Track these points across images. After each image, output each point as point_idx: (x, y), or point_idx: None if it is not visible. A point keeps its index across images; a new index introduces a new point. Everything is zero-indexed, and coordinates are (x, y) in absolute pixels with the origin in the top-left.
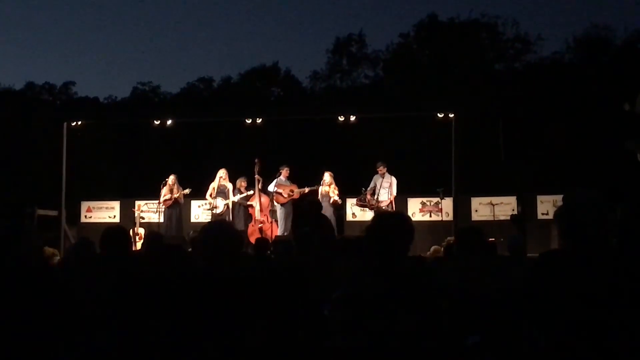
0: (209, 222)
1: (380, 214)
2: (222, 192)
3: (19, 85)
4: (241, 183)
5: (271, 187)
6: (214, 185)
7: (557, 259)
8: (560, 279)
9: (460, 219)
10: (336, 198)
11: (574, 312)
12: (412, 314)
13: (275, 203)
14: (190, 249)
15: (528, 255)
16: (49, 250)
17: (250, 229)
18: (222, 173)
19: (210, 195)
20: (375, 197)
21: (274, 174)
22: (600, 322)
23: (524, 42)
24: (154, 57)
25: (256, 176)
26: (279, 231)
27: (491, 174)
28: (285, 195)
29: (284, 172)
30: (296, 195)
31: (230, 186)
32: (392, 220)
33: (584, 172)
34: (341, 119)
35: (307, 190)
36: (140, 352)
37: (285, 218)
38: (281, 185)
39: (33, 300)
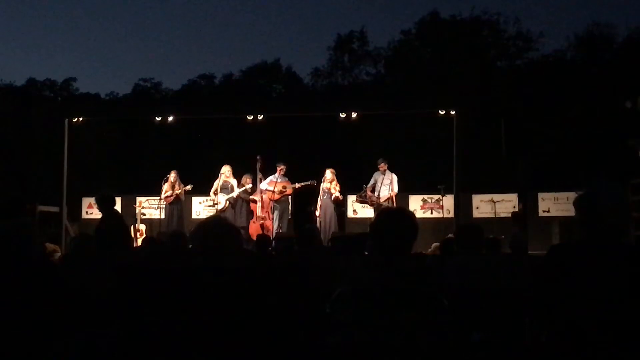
0: (206, 217)
1: (384, 209)
2: (225, 189)
3: (20, 82)
4: (246, 180)
5: (263, 185)
6: (217, 182)
7: (568, 252)
8: (573, 272)
9: (462, 216)
10: (338, 194)
11: (586, 305)
12: (413, 311)
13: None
14: (190, 245)
15: (529, 252)
16: (50, 246)
17: (252, 225)
18: (225, 169)
19: (214, 193)
20: (376, 193)
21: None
22: (613, 315)
23: (526, 39)
24: (156, 53)
25: (258, 173)
26: (274, 227)
27: (492, 171)
28: (277, 193)
29: (280, 169)
30: (288, 191)
31: (234, 182)
32: (395, 216)
33: (585, 169)
34: (342, 116)
35: (298, 185)
36: (140, 346)
37: (280, 214)
38: (275, 183)
39: (35, 295)
